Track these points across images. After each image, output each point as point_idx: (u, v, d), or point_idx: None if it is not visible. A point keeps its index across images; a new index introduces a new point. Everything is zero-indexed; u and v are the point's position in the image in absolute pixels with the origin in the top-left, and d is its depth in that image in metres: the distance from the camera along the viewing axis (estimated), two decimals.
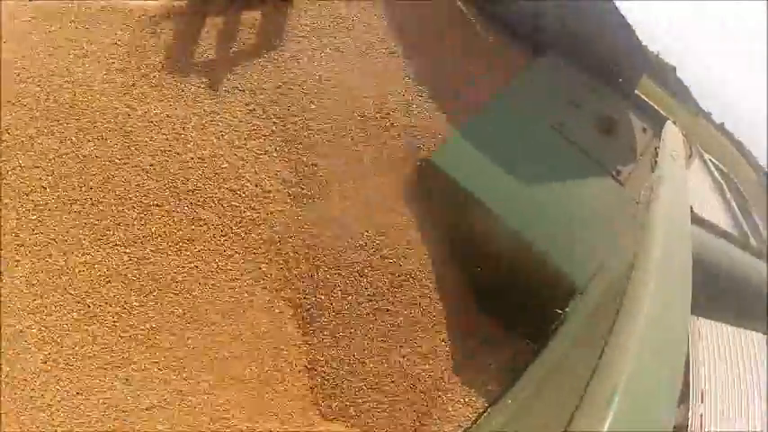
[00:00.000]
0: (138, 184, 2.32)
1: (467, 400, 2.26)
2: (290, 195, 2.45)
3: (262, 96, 2.50)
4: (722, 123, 10.47)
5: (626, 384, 1.17)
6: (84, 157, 2.29)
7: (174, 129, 2.37)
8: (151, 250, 2.30)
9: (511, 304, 2.49)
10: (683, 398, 3.19)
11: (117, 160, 2.31)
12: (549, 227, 2.55)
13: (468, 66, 3.03)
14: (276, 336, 2.36)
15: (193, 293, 2.33)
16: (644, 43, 3.46)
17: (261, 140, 2.44)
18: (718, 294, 4.03)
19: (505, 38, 3.23)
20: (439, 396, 2.29)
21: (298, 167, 2.44)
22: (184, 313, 2.29)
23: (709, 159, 6.08)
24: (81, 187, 2.23)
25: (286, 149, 2.45)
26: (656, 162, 2.89)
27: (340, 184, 2.57)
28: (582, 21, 3.19)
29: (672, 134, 3.33)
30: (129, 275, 2.24)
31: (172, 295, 2.29)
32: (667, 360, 1.33)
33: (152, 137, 2.36)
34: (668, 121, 3.43)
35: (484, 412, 2.26)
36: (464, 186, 2.54)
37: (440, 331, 2.44)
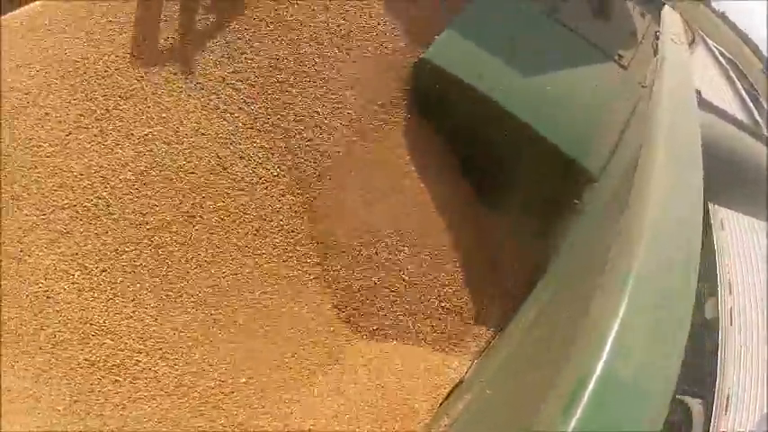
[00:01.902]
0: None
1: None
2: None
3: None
4: (723, 12, 10.09)
5: (639, 269, 1.07)
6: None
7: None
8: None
9: (524, 201, 2.37)
10: (713, 290, 3.09)
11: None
12: (558, 116, 2.40)
13: None
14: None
15: None
16: None
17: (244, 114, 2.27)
18: (733, 182, 3.90)
19: None
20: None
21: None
22: None
23: (714, 46, 5.79)
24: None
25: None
26: (657, 46, 2.71)
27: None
28: None
29: (672, 18, 3.12)
30: None
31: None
32: (683, 243, 1.21)
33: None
34: (666, 5, 3.20)
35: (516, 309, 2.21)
36: (465, 81, 2.35)
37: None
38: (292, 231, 2.32)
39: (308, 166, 2.37)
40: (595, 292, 1.10)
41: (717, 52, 5.46)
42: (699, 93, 3.70)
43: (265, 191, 2.30)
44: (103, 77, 2.16)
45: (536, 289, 2.18)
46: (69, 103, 2.08)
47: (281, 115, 2.37)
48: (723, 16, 9.44)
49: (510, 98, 2.34)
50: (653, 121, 1.73)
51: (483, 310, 2.30)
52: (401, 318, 2.26)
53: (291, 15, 2.50)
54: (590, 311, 1.08)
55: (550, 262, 2.25)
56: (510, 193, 2.35)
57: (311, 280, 2.29)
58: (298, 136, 2.35)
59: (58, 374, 1.77)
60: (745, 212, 4.01)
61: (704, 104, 3.83)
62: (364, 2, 2.62)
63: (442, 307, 2.31)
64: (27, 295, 1.84)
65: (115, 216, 2.01)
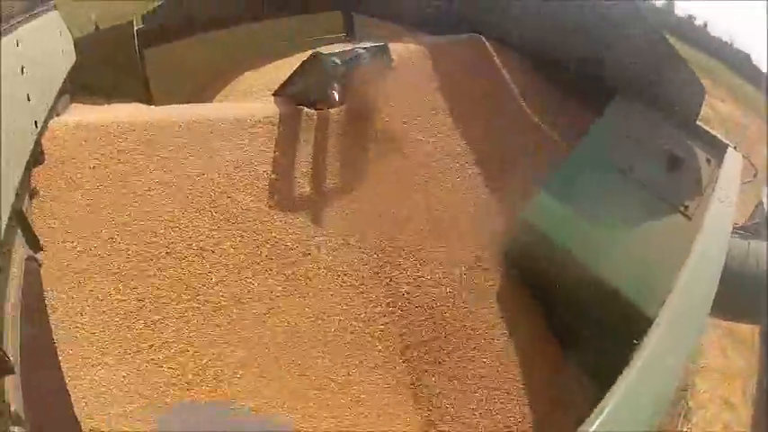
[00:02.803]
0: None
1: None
2: None
3: None
4: None
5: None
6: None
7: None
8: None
9: (593, 345, 2.72)
10: None
11: None
12: (628, 269, 2.76)
13: (540, 121, 3.27)
14: None
15: None
16: None
17: None
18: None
19: (566, 91, 3.42)
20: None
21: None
22: None
23: None
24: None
25: None
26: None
27: None
28: (641, 60, 3.23)
29: (733, 162, 3.44)
30: None
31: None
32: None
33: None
34: (729, 148, 3.54)
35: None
36: (554, 239, 2.78)
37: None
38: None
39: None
40: None
41: None
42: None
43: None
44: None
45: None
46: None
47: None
48: None
49: (588, 255, 2.72)
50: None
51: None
52: None
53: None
54: None
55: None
56: (584, 339, 2.72)
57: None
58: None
59: None
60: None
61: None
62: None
63: None
64: None
65: None
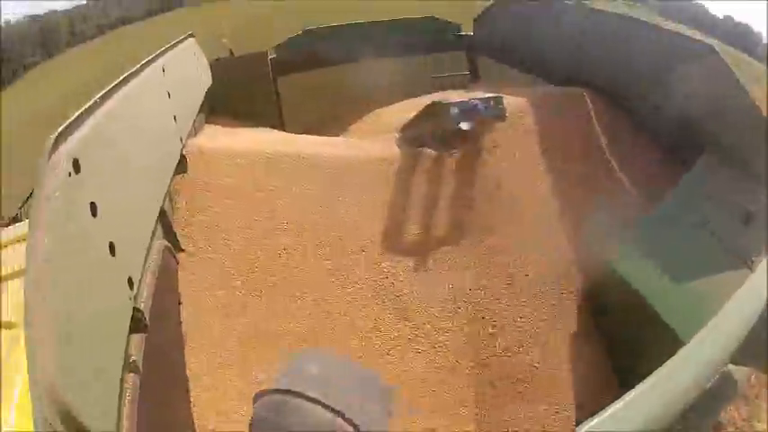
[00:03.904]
0: None
1: None
2: None
3: None
4: None
5: None
6: None
7: None
8: None
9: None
10: None
11: None
12: (694, 320, 2.89)
13: (631, 175, 3.45)
14: None
15: None
16: None
17: None
18: None
19: (655, 148, 3.60)
20: None
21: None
22: None
23: None
24: None
25: None
26: None
27: None
28: (721, 118, 3.27)
29: None
30: None
31: None
32: None
33: None
34: None
35: None
36: (635, 288, 2.92)
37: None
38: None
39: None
40: None
41: None
42: None
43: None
44: None
45: None
46: None
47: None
48: None
49: (661, 303, 2.79)
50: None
51: None
52: None
53: None
54: None
55: None
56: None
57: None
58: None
59: None
60: None
61: None
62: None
63: None
64: None
65: None
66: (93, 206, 1.33)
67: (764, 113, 3.33)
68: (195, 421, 2.17)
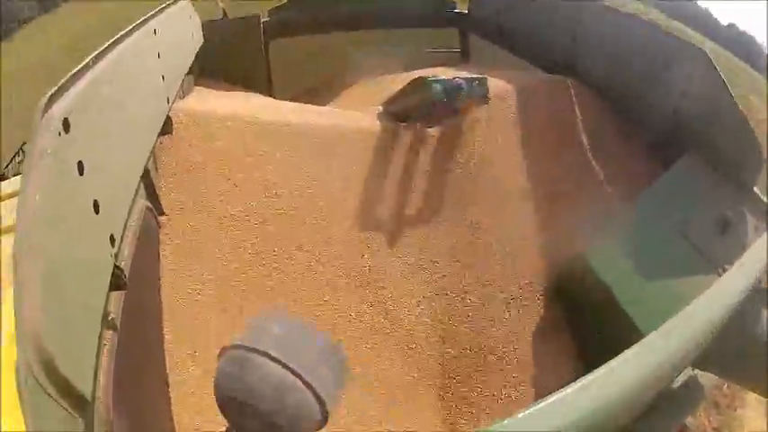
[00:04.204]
0: None
1: None
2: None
3: None
4: None
5: None
6: None
7: None
8: None
9: None
10: None
11: None
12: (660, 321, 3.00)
13: (611, 169, 3.50)
14: None
15: None
16: None
17: None
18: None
19: (639, 144, 3.61)
20: None
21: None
22: None
23: None
24: None
25: None
26: None
27: None
28: (705, 120, 3.27)
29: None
30: None
31: None
32: None
33: None
34: None
35: None
36: (603, 281, 2.95)
37: None
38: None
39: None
40: None
41: None
42: None
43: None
44: None
45: None
46: None
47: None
48: None
49: (629, 301, 2.89)
50: None
51: None
52: None
53: None
54: None
55: None
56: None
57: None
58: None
59: None
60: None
61: None
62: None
63: None
64: None
65: None
66: (80, 165, 1.39)
67: (750, 121, 3.34)
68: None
